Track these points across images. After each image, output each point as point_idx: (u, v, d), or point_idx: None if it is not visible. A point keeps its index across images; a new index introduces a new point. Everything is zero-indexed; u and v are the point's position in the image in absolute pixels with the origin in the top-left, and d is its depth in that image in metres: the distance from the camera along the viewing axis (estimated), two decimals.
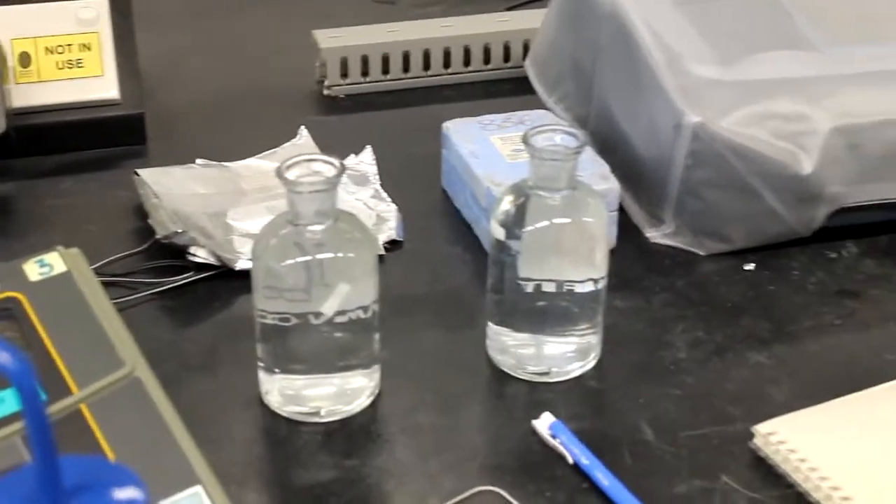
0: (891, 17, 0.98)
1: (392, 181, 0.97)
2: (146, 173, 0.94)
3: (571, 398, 0.77)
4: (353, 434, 0.74)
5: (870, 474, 0.68)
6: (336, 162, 0.72)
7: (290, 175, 0.71)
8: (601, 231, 0.78)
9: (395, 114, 1.12)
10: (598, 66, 0.99)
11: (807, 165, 0.88)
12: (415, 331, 0.83)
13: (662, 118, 0.90)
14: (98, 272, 0.81)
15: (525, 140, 0.75)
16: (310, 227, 0.72)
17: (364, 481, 0.71)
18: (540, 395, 0.77)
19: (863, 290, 0.87)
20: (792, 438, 0.70)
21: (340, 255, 0.73)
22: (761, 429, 0.71)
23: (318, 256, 0.72)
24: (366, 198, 0.95)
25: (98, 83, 1.04)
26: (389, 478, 0.71)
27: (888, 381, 0.77)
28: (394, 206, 0.94)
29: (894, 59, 0.94)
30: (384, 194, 0.96)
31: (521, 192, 0.77)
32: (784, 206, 0.90)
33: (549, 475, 0.71)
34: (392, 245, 0.91)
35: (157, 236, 0.87)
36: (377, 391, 0.77)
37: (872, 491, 0.67)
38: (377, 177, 0.98)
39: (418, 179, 0.99)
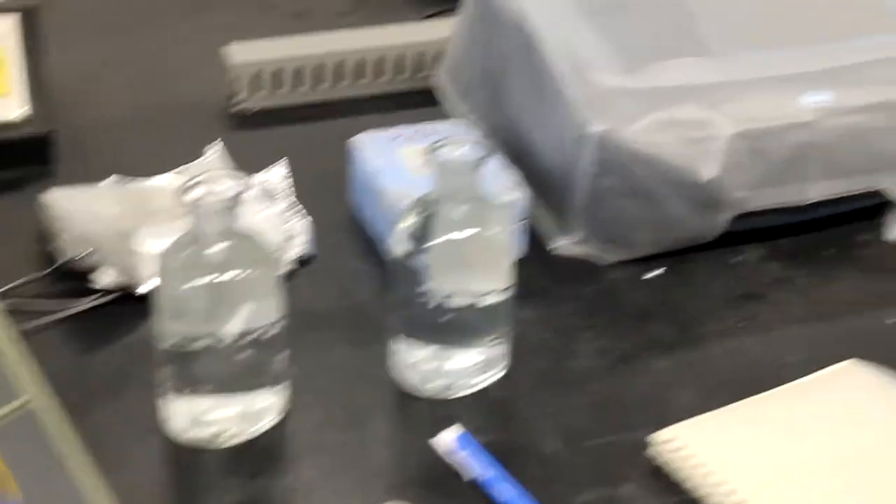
0: (791, 21, 0.99)
1: (305, 196, 0.97)
2: (53, 195, 0.93)
3: (479, 410, 0.78)
4: (260, 454, 0.74)
5: (767, 476, 0.70)
6: (238, 180, 0.72)
7: (192, 194, 0.71)
8: (507, 242, 0.79)
9: (309, 128, 1.11)
10: (506, 76, 1.00)
11: (711, 171, 0.90)
12: (323, 347, 0.83)
13: (568, 128, 0.91)
14: (0, 297, 0.80)
15: (428, 153, 0.76)
16: (212, 247, 0.72)
17: (270, 502, 0.71)
18: (447, 407, 0.78)
19: (765, 293, 0.89)
20: (690, 444, 0.71)
21: (243, 274, 0.73)
22: (660, 436, 0.73)
23: (221, 277, 0.72)
24: (277, 213, 0.95)
25: (5, 102, 1.03)
26: (296, 497, 0.71)
27: (789, 382, 0.79)
28: (305, 221, 0.94)
29: (795, 63, 0.95)
30: (296, 209, 0.96)
31: (426, 206, 0.77)
32: (689, 212, 0.91)
33: (455, 489, 0.72)
34: (303, 260, 0.91)
35: (63, 260, 0.87)
36: (285, 409, 0.77)
37: (768, 493, 0.68)
38: (289, 192, 0.98)
39: (331, 194, 0.99)
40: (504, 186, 0.90)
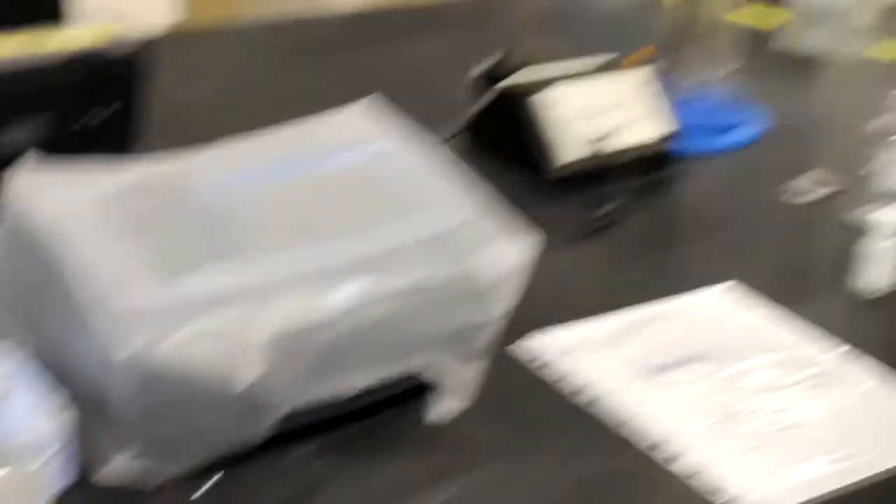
0: (321, 216, 1.02)
1: None
2: None
3: None
4: None
5: None
6: None
7: None
8: (38, 478, 0.76)
9: None
10: (44, 297, 0.97)
11: (251, 376, 0.90)
12: None
13: (101, 350, 0.89)
14: None
15: None
16: None
17: None
18: None
19: (318, 490, 0.90)
20: None
21: None
22: None
23: None
24: None
25: None
26: None
27: None
28: None
29: (326, 258, 0.97)
30: None
31: None
32: (235, 419, 0.91)
33: None
34: None
35: None
36: None
37: None
38: None
39: None
40: (47, 411, 0.87)
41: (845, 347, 1.12)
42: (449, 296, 0.97)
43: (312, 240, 0.99)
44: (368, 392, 0.97)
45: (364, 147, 1.06)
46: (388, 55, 1.94)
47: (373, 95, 1.10)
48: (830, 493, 0.94)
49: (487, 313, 0.99)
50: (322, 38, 2.03)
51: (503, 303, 0.99)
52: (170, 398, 0.88)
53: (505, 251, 0.99)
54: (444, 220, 1.00)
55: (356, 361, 0.95)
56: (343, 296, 0.94)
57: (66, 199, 0.97)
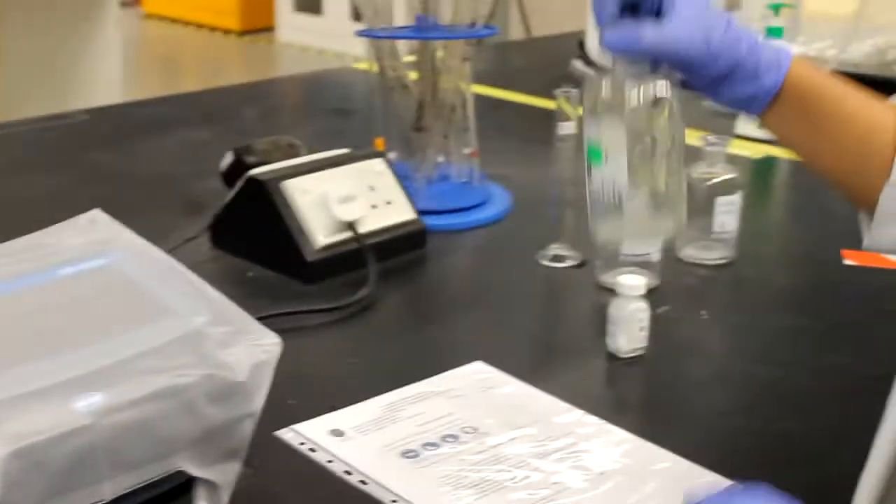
0: (62, 329, 0.98)
1: None
2: None
3: None
4: None
5: None
6: None
7: None
8: None
9: None
10: None
11: None
12: None
13: None
14: None
15: None
16: None
17: None
18: None
19: None
20: None
21: None
22: None
23: None
24: None
25: None
26: None
27: None
28: None
29: (65, 369, 0.93)
30: None
31: None
32: None
33: None
34: None
35: None
36: None
37: None
38: None
39: None
40: None
41: (601, 411, 1.14)
42: (198, 396, 0.94)
43: (51, 353, 0.94)
44: (132, 493, 0.93)
45: (99, 256, 1.03)
46: (133, 151, 1.91)
47: (107, 202, 1.08)
48: None
49: (240, 410, 0.97)
50: (65, 140, 1.98)
51: (255, 399, 0.97)
52: None
53: (252, 347, 0.97)
54: (187, 322, 0.97)
55: (108, 468, 0.91)
56: (86, 406, 0.90)
57: None
